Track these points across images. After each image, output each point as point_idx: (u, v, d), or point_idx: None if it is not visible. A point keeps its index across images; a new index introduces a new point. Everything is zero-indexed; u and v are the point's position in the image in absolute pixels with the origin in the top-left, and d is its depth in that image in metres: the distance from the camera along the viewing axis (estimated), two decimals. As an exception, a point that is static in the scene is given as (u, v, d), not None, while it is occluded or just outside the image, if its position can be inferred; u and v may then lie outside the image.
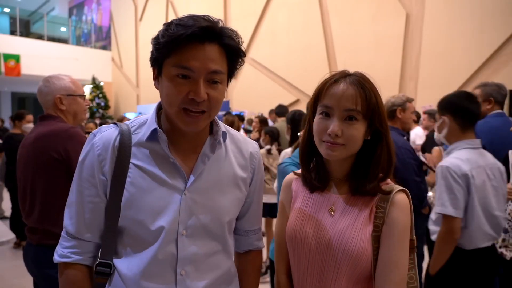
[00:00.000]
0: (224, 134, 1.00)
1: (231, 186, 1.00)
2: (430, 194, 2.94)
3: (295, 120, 2.85)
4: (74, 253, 0.93)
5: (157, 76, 0.92)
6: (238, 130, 4.29)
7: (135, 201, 0.90)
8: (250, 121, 7.36)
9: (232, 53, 0.92)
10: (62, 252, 0.93)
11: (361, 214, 0.95)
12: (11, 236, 5.03)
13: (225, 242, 1.00)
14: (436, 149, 3.10)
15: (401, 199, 0.94)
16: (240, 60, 0.95)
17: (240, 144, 1.06)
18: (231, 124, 4.22)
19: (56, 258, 0.94)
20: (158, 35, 0.87)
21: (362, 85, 0.92)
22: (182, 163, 0.94)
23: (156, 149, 0.93)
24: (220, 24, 0.89)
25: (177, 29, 0.84)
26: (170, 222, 0.90)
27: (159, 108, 0.98)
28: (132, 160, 0.91)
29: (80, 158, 0.94)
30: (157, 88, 0.94)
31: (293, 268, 1.05)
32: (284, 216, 1.09)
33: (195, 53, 0.85)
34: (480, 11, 5.82)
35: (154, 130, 0.91)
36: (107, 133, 0.93)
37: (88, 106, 1.93)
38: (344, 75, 0.96)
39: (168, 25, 0.86)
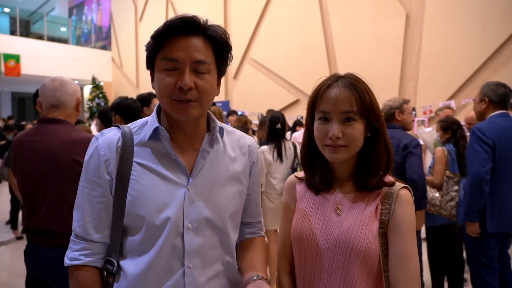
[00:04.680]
0: (221, 130, 1.03)
1: (232, 179, 1.03)
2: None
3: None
4: (84, 255, 0.94)
5: (153, 77, 0.97)
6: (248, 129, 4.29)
7: (140, 198, 0.92)
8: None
9: (218, 45, 0.95)
10: (72, 255, 0.95)
11: (366, 211, 0.97)
12: (11, 236, 5.06)
13: (228, 236, 1.02)
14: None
15: (405, 194, 0.98)
16: (227, 53, 0.97)
17: (238, 139, 1.09)
18: (245, 124, 4.24)
19: (67, 261, 0.96)
20: (149, 39, 0.93)
21: (355, 86, 0.95)
22: (182, 160, 0.96)
23: (158, 147, 0.96)
24: (207, 22, 0.94)
25: (162, 26, 0.91)
26: (175, 217, 0.92)
27: (159, 109, 1.01)
28: (135, 159, 0.94)
29: (85, 162, 0.96)
30: (154, 88, 0.97)
31: (298, 269, 1.06)
32: (288, 217, 1.10)
33: (179, 45, 0.90)
34: (480, 11, 5.82)
35: (156, 129, 0.95)
36: (109, 135, 0.96)
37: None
38: (336, 78, 0.99)
39: (158, 27, 0.92)
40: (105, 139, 0.95)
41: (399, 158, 2.55)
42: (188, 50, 0.89)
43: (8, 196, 5.35)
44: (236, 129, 1.14)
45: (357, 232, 0.94)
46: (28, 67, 12.69)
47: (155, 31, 0.91)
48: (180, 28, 0.89)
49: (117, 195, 0.93)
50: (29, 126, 7.23)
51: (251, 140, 1.13)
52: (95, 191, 0.94)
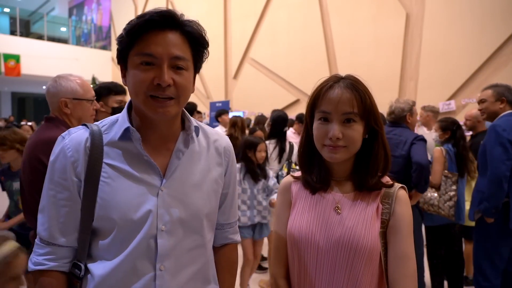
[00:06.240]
0: (197, 129, 1.01)
1: (207, 179, 1.01)
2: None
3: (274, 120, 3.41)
4: (48, 259, 0.90)
5: (124, 73, 0.93)
6: (243, 130, 4.26)
7: (111, 200, 0.88)
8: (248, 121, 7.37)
9: (195, 41, 0.92)
10: (36, 260, 0.90)
11: (368, 211, 0.97)
12: (10, 236, 5.05)
13: (204, 236, 0.99)
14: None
15: (404, 194, 0.99)
16: (203, 50, 0.95)
17: (214, 139, 1.07)
18: (234, 124, 4.25)
19: (31, 266, 0.91)
20: (122, 31, 0.89)
21: (356, 88, 0.96)
22: (155, 160, 0.93)
23: (129, 147, 0.92)
24: (183, 17, 0.91)
25: (137, 20, 0.87)
26: (148, 219, 0.89)
27: (130, 107, 0.97)
28: (105, 160, 0.90)
29: (50, 161, 0.91)
30: (125, 85, 0.94)
31: (297, 270, 1.04)
32: (283, 220, 1.08)
33: (156, 39, 0.86)
34: (480, 11, 5.82)
35: (127, 129, 0.91)
36: (77, 135, 0.92)
37: (95, 110, 1.85)
38: (338, 79, 0.99)
39: (130, 20, 0.89)
40: (72, 139, 0.91)
41: (405, 152, 2.63)
42: (166, 45, 0.86)
43: (8, 196, 5.34)
44: (224, 129, 1.11)
45: (361, 231, 0.94)
46: (28, 67, 12.68)
47: (130, 24, 0.87)
48: (158, 23, 0.86)
49: (86, 198, 0.88)
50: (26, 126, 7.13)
51: (226, 141, 1.11)
52: (61, 193, 0.89)
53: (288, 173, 3.33)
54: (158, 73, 0.86)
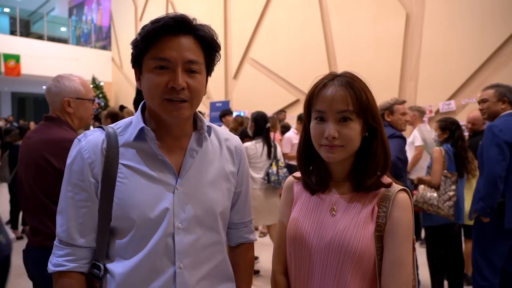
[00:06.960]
0: (209, 129, 1.03)
1: (220, 178, 1.03)
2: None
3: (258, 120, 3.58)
4: (68, 261, 0.91)
5: (139, 77, 0.96)
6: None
7: (128, 200, 0.90)
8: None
9: (208, 45, 0.95)
10: (56, 261, 0.92)
11: (362, 213, 0.95)
12: (11, 236, 5.05)
13: (219, 234, 1.02)
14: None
15: (403, 198, 0.95)
16: (215, 53, 0.98)
17: (225, 138, 1.10)
18: (241, 124, 4.36)
19: (50, 268, 0.92)
20: (136, 36, 0.92)
21: (351, 85, 0.93)
22: (170, 159, 0.95)
23: (144, 148, 0.94)
24: (196, 21, 0.93)
25: (152, 25, 0.89)
26: (166, 217, 0.91)
27: (143, 109, 1.00)
28: (121, 161, 0.92)
29: (67, 164, 0.94)
30: (139, 88, 0.97)
31: (293, 270, 1.05)
32: (285, 218, 1.09)
33: (170, 44, 0.89)
34: (480, 11, 5.82)
35: (141, 129, 0.93)
36: (93, 137, 0.94)
37: (95, 110, 1.89)
38: (332, 77, 0.97)
39: (144, 25, 0.91)
40: (88, 141, 0.93)
41: None
42: (180, 50, 0.89)
43: (7, 196, 5.35)
44: (227, 129, 1.13)
45: (352, 234, 0.93)
46: (28, 67, 12.68)
47: (144, 30, 0.89)
48: (172, 28, 0.89)
49: (104, 198, 0.90)
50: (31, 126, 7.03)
51: (237, 140, 1.13)
52: (79, 195, 0.91)
53: (277, 170, 3.52)
54: (172, 77, 0.89)
